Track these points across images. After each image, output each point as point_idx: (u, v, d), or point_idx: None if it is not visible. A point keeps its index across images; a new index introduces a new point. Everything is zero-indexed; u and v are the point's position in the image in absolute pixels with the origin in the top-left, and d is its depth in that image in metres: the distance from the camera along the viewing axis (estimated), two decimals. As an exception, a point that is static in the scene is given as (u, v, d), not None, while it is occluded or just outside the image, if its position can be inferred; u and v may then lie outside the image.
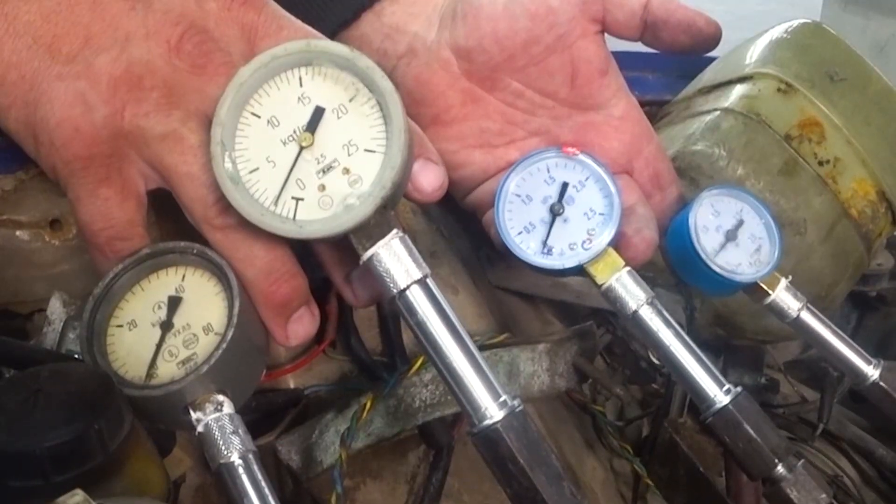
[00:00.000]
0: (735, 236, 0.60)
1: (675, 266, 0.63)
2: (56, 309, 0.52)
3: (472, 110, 0.62)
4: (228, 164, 0.46)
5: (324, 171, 0.46)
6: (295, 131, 0.47)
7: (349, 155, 0.46)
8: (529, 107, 0.62)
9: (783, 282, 0.61)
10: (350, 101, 0.47)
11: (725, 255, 0.60)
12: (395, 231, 0.46)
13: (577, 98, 0.61)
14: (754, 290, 0.61)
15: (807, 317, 0.61)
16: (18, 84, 0.47)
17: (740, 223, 0.61)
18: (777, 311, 0.61)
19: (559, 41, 0.59)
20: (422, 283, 0.46)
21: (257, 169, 0.46)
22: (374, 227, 0.46)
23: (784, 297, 0.61)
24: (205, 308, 0.48)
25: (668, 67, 0.83)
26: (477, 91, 0.61)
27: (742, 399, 0.54)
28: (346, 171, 0.46)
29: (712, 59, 0.80)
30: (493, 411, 0.44)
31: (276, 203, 0.46)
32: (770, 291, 0.61)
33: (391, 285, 0.46)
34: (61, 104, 0.47)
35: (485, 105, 0.62)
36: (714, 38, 0.61)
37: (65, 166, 0.48)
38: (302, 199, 0.46)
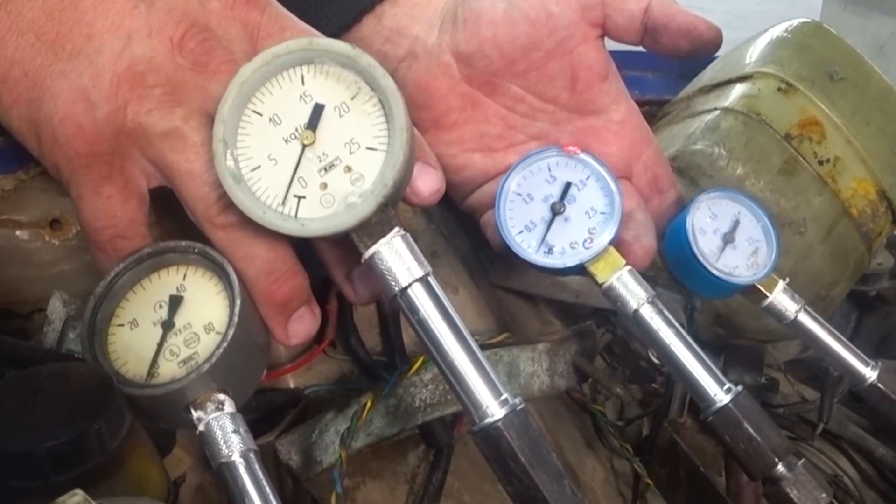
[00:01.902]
0: (732, 239, 0.61)
1: (672, 269, 0.63)
2: (56, 308, 0.52)
3: (472, 114, 0.62)
4: (230, 162, 0.46)
5: (325, 170, 0.46)
6: (297, 129, 0.46)
7: (351, 153, 0.46)
8: (529, 111, 0.62)
9: (781, 284, 0.61)
10: (352, 99, 0.47)
11: (723, 258, 0.60)
12: (396, 229, 0.46)
13: (578, 103, 0.61)
14: (752, 293, 0.61)
15: (804, 319, 0.61)
16: (21, 81, 0.47)
17: (737, 226, 0.61)
18: (775, 314, 0.61)
19: (559, 46, 0.59)
20: (423, 281, 0.46)
21: (259, 167, 0.46)
22: (375, 226, 0.46)
23: (782, 299, 0.61)
24: (206, 307, 0.48)
25: (668, 67, 0.83)
26: (477, 95, 0.61)
27: (742, 398, 0.54)
28: (348, 169, 0.46)
29: (712, 59, 0.80)
30: (494, 409, 0.44)
31: (278, 201, 0.46)
32: (768, 293, 0.61)
33: (393, 283, 0.46)
34: (64, 101, 0.47)
35: (485, 109, 0.62)
36: (714, 43, 0.61)
37: (67, 164, 0.48)
38: (304, 198, 0.46)
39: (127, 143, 0.48)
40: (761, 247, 0.61)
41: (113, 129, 0.47)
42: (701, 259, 0.59)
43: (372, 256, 0.46)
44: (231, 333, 0.46)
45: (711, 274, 0.59)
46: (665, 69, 0.83)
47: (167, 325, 0.47)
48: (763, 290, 0.61)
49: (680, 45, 0.60)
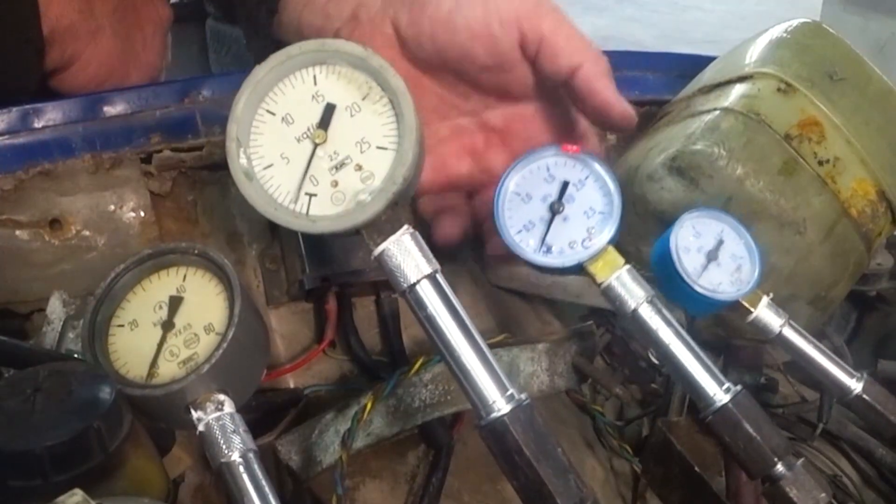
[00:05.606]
0: (716, 256, 0.61)
1: (659, 286, 0.63)
2: (55, 308, 0.52)
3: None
4: (243, 160, 0.47)
5: (336, 168, 0.47)
6: (309, 128, 0.47)
7: (361, 152, 0.47)
8: (464, 92, 0.64)
9: (765, 299, 0.61)
10: (363, 99, 0.48)
11: (707, 275, 0.60)
12: (406, 227, 0.47)
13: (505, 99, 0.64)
14: (737, 308, 0.62)
15: (789, 333, 0.62)
16: None
17: (721, 243, 0.61)
18: (759, 329, 0.62)
19: (495, 64, 0.61)
20: (431, 278, 0.46)
21: (272, 165, 0.47)
22: (385, 223, 0.47)
23: (765, 314, 0.61)
24: (206, 308, 0.48)
25: (668, 67, 0.83)
26: (414, 71, 0.62)
27: (742, 398, 0.54)
28: (359, 167, 0.47)
29: (712, 59, 0.80)
30: (500, 404, 0.45)
31: (290, 199, 0.47)
32: (752, 309, 0.61)
33: (401, 280, 0.46)
34: None
35: (422, 84, 0.63)
36: (624, 128, 0.63)
37: None
38: (315, 195, 0.47)
39: None
40: (745, 263, 0.62)
41: None
42: (685, 276, 0.59)
43: (381, 253, 0.47)
44: (231, 334, 0.46)
45: (695, 291, 0.59)
46: (665, 69, 0.83)
47: (167, 326, 0.47)
48: (747, 305, 0.61)
49: (589, 117, 0.63)
